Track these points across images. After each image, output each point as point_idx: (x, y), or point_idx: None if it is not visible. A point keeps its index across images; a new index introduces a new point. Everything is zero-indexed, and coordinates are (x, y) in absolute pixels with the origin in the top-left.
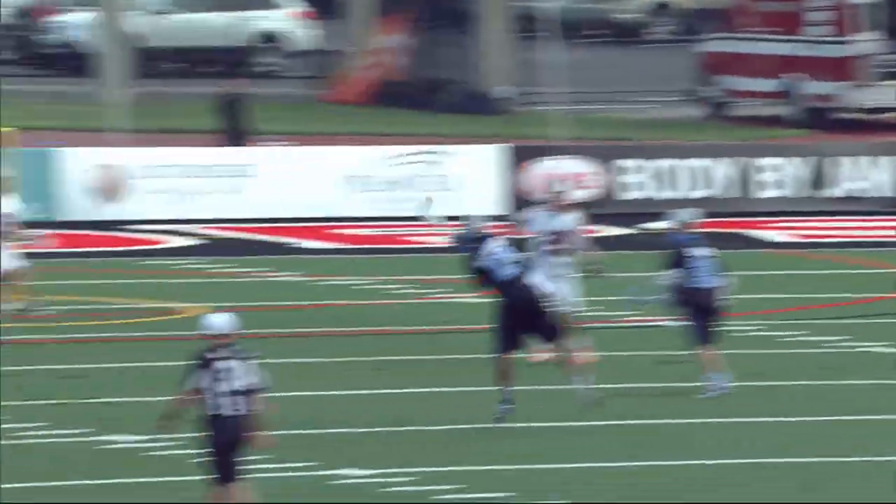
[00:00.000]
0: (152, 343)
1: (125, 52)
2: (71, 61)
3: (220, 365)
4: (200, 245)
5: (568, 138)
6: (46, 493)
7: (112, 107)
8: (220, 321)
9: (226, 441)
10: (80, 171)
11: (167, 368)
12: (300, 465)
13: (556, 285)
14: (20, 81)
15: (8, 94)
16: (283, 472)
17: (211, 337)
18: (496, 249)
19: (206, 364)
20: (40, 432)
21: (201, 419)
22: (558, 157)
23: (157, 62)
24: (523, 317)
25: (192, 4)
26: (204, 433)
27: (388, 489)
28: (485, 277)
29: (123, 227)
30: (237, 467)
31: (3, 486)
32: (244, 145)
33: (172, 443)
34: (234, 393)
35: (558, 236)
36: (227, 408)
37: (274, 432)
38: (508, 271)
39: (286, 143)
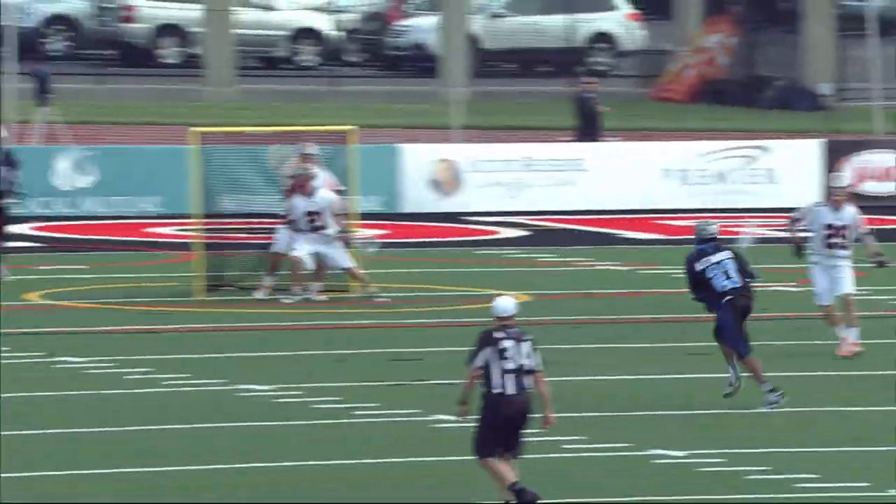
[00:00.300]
0: (482, 329)
1: (465, 54)
2: (416, 62)
3: (504, 344)
4: (529, 235)
5: (886, 133)
6: (382, 468)
7: (452, 105)
8: (506, 304)
9: (507, 418)
10: (420, 165)
11: None
12: (615, 445)
13: (833, 277)
14: (365, 82)
15: (353, 94)
16: (599, 451)
17: (498, 318)
18: (722, 258)
19: (491, 343)
20: (375, 412)
21: (484, 396)
22: (875, 151)
23: (494, 63)
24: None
25: (527, 7)
26: (485, 409)
27: (701, 469)
28: (702, 283)
29: (460, 218)
30: (517, 444)
31: (348, 461)
32: (596, 141)
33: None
34: (517, 371)
35: (838, 230)
36: (510, 386)
37: (590, 414)
38: (729, 282)
39: (619, 139)
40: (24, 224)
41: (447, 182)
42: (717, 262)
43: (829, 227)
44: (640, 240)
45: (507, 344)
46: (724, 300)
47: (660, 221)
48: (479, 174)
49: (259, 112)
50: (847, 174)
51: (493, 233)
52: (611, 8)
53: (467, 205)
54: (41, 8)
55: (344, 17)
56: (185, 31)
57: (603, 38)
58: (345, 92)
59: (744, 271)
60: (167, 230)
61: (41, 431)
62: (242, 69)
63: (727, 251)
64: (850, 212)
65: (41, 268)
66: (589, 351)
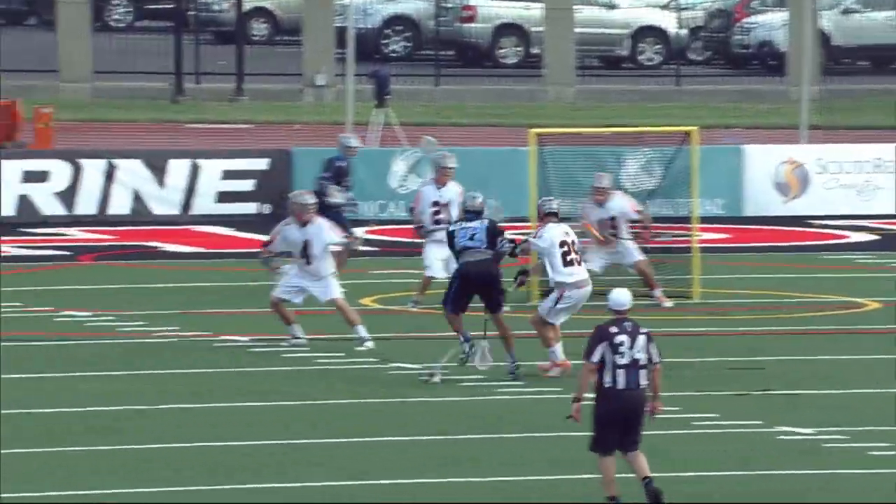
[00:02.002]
0: (837, 336)
1: (815, 51)
2: (763, 61)
3: (619, 339)
4: (880, 240)
5: None
6: (725, 481)
7: (800, 104)
8: (622, 297)
9: (619, 413)
10: (765, 167)
11: (854, 362)
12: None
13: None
14: (709, 82)
15: (696, 94)
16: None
17: (614, 312)
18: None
19: (606, 337)
20: (714, 422)
21: (596, 390)
22: None
23: (845, 60)
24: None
25: (880, 3)
26: (598, 404)
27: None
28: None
29: (806, 222)
30: (634, 438)
31: (689, 473)
32: None
33: (848, 436)
34: (630, 366)
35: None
36: (621, 381)
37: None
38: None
39: None
40: (360, 228)
41: (793, 184)
42: (467, 228)
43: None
44: None
45: (622, 338)
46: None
47: None
48: (827, 176)
49: (598, 112)
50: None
51: (841, 237)
52: None
53: (814, 207)
54: (382, 8)
55: (688, 14)
56: (525, 30)
57: None
58: (687, 91)
59: (492, 241)
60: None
61: (377, 439)
62: (582, 69)
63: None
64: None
65: (376, 272)
66: None
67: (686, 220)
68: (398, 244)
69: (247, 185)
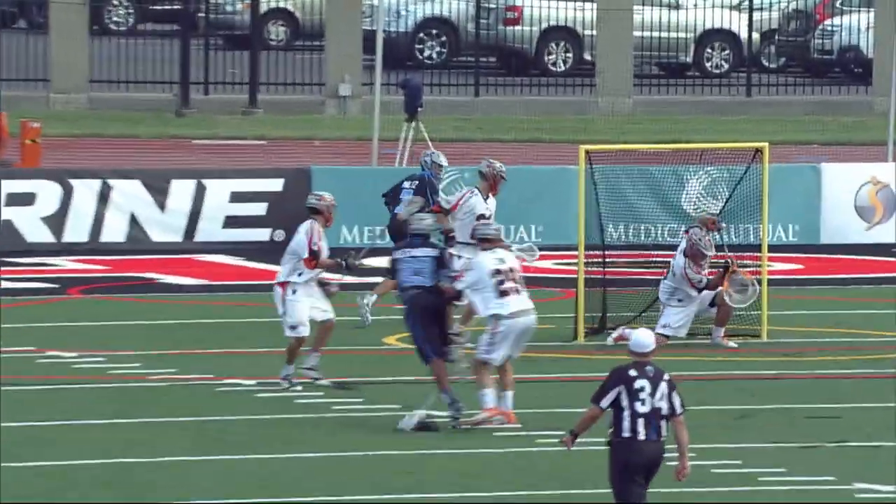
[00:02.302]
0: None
1: None
2: (845, 68)
3: (639, 384)
4: None
5: None
6: None
7: (888, 117)
8: (645, 338)
9: (638, 466)
10: (847, 188)
11: None
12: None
13: None
14: (787, 91)
15: (773, 105)
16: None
17: (634, 354)
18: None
19: (624, 381)
20: (781, 478)
21: (611, 442)
22: None
23: None
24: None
25: None
26: (614, 458)
27: None
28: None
29: (892, 251)
30: (646, 490)
31: None
32: None
33: None
34: (651, 415)
35: None
36: (641, 431)
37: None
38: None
39: None
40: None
41: (877, 207)
42: (413, 258)
43: None
44: None
45: (642, 383)
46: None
47: None
48: None
49: (658, 126)
50: None
51: None
52: None
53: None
54: (416, 10)
55: (761, 15)
56: (576, 34)
57: None
58: (759, 103)
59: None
60: (547, 263)
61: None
62: (640, 77)
63: (433, 249)
64: None
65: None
66: None
67: (755, 248)
68: None
69: (258, 208)
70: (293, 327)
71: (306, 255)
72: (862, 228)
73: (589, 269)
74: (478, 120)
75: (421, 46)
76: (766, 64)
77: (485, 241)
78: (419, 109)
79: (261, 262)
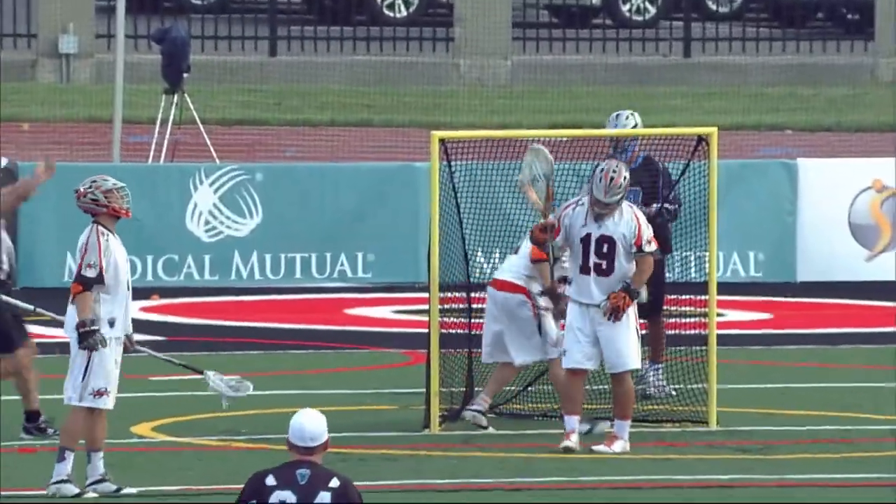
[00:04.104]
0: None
1: None
2: (834, 14)
3: (280, 496)
4: None
5: None
6: None
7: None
8: (310, 423)
9: None
10: (836, 195)
11: None
12: None
13: None
14: (739, 50)
15: (719, 70)
16: None
17: (292, 448)
18: None
19: (259, 494)
20: None
21: None
22: None
23: None
24: None
25: None
26: None
27: None
28: None
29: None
30: None
31: None
32: None
33: None
34: None
35: None
36: None
37: None
38: None
39: None
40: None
41: (883, 226)
42: None
43: None
44: None
45: (283, 497)
46: None
47: None
48: None
49: (547, 103)
50: None
51: None
52: None
53: None
54: None
55: None
56: None
57: None
58: (704, 66)
59: None
60: (382, 311)
61: None
62: (522, 27)
63: None
64: None
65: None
66: None
67: (698, 287)
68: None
69: None
70: None
71: None
72: (859, 258)
73: (447, 319)
74: (274, 91)
75: None
76: (714, 7)
77: None
78: (185, 76)
79: None
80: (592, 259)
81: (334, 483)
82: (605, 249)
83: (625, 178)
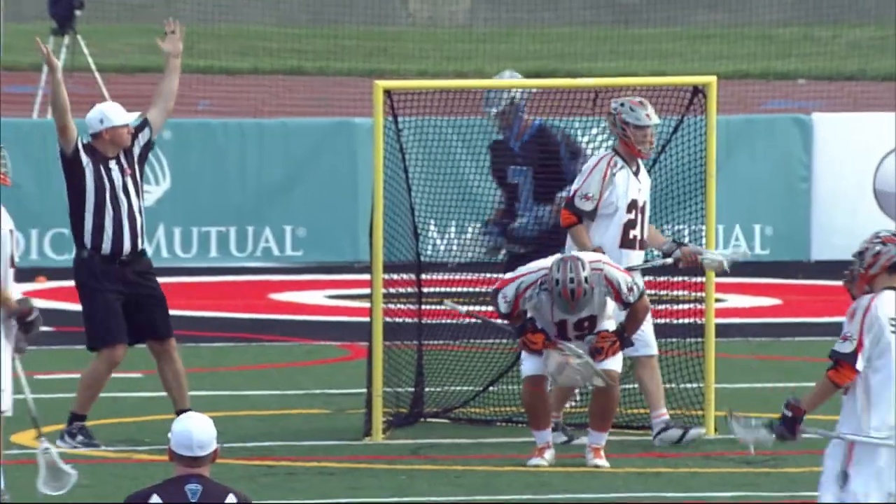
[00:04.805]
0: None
1: None
2: None
3: None
4: None
5: None
6: None
7: None
8: (201, 429)
9: None
10: (858, 157)
11: None
12: None
13: None
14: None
15: (716, 6)
16: None
17: (177, 459)
18: None
19: None
20: None
21: None
22: None
23: None
24: None
25: None
26: None
27: None
28: None
29: None
30: None
31: None
32: None
33: None
34: None
35: None
36: None
37: None
38: None
39: None
40: None
41: None
42: None
43: None
44: None
45: None
46: None
47: None
48: None
49: (513, 45)
50: None
51: None
52: None
53: None
54: None
55: None
56: None
57: None
58: (700, 3)
59: None
60: (315, 297)
61: None
62: None
63: None
64: None
65: None
66: None
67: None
68: None
69: None
70: None
71: None
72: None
73: (393, 306)
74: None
75: None
76: None
77: None
78: (77, 13)
79: None
80: (572, 334)
81: (231, 500)
82: (585, 324)
83: (586, 279)
